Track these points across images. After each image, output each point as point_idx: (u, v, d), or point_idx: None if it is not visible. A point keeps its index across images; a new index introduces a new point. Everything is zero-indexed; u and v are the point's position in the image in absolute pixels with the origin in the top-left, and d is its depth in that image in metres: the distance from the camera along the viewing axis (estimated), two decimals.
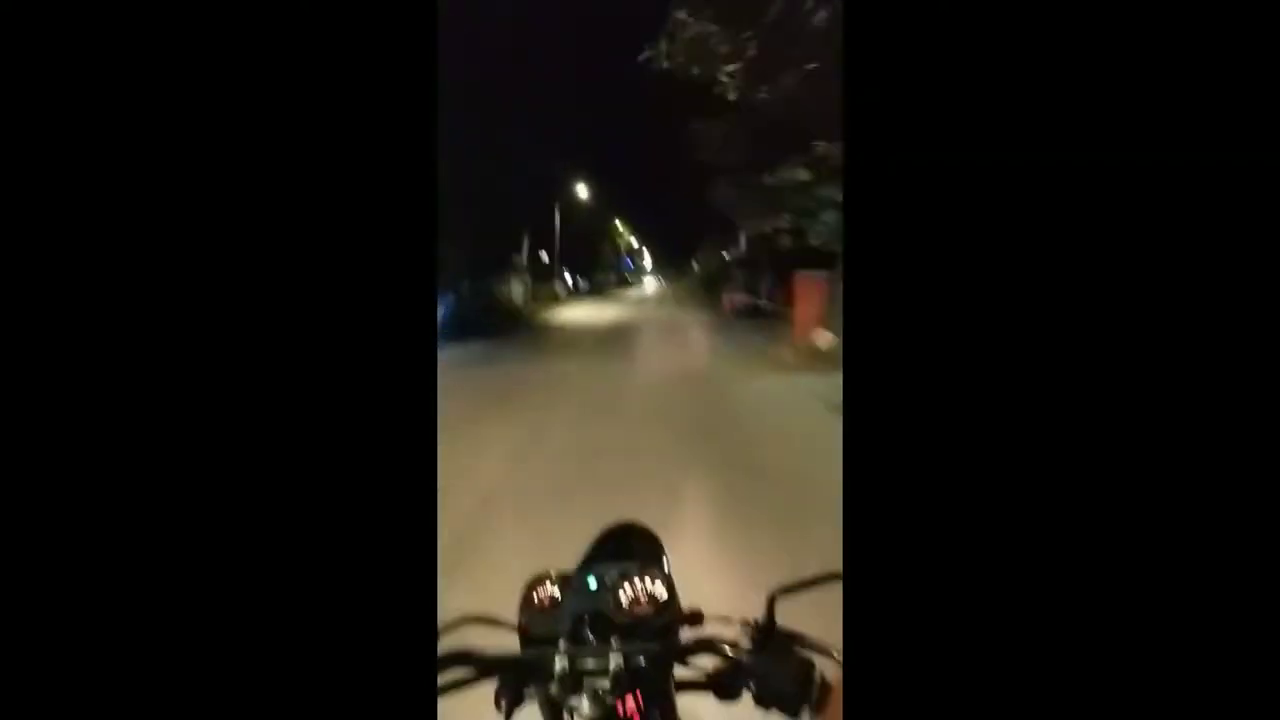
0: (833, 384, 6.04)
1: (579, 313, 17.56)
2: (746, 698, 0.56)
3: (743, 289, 15.79)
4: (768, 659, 0.56)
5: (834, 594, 0.54)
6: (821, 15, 6.85)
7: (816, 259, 9.31)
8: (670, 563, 0.74)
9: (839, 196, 7.82)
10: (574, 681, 0.55)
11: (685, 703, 0.59)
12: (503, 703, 0.56)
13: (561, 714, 0.56)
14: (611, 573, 0.65)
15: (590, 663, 0.56)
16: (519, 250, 19.00)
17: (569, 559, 0.75)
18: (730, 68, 7.78)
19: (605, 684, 0.54)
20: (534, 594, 0.66)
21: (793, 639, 0.58)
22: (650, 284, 53.18)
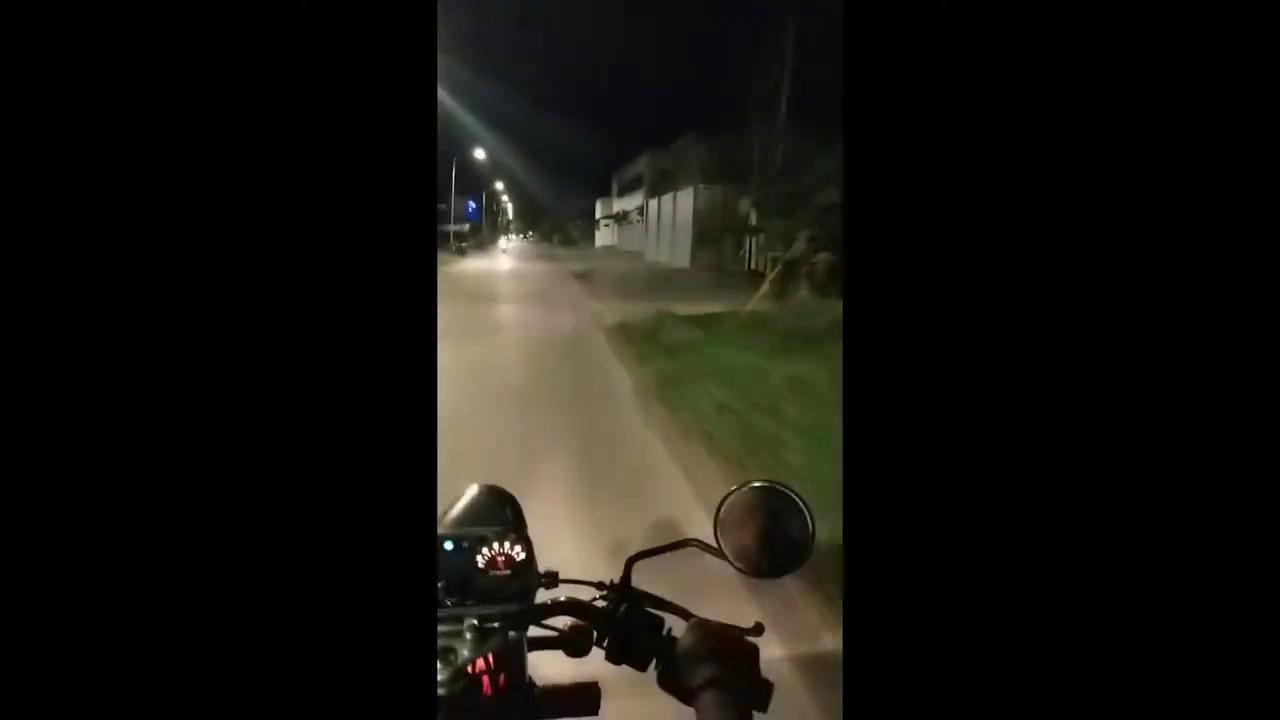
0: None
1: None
2: (595, 654, 0.60)
3: None
4: (620, 617, 0.59)
5: (690, 559, 0.62)
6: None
7: None
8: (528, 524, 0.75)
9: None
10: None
11: (535, 659, 0.61)
12: None
13: None
14: (469, 535, 0.65)
15: (447, 627, 0.57)
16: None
17: None
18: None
19: (461, 646, 0.55)
20: None
21: (646, 598, 0.61)
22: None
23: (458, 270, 18.11)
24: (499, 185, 64.08)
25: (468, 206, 49.35)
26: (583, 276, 15.70)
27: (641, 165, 33.81)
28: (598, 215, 50.31)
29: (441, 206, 31.43)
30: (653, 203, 26.97)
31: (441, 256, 22.71)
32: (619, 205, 39.42)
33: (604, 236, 45.67)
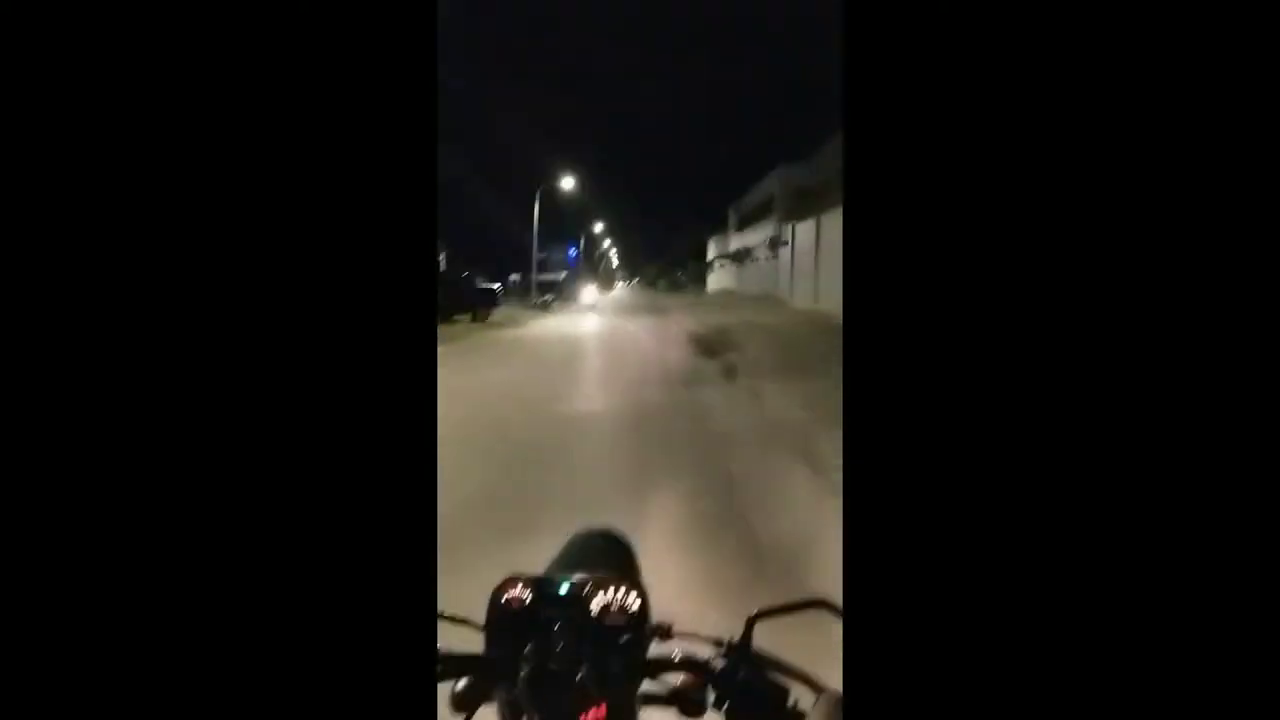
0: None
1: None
2: (711, 716, 0.56)
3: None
4: (741, 680, 0.55)
5: (816, 620, 0.56)
6: None
7: None
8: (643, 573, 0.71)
9: None
10: (539, 687, 0.55)
11: (648, 716, 0.59)
12: (463, 704, 0.56)
13: (521, 719, 0.55)
14: (584, 579, 0.64)
15: (556, 669, 0.56)
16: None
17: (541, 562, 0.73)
18: None
19: (571, 693, 0.54)
20: (503, 595, 0.64)
21: (768, 662, 0.57)
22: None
23: (520, 333, 12.52)
24: (599, 227, 61.56)
25: (568, 253, 46.22)
26: (719, 347, 9.14)
27: (772, 186, 27.35)
28: (711, 255, 44.57)
29: (540, 255, 29.25)
30: (801, 227, 20.13)
31: (515, 314, 17.29)
32: (738, 241, 33.29)
33: (720, 279, 39.89)
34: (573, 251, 45.96)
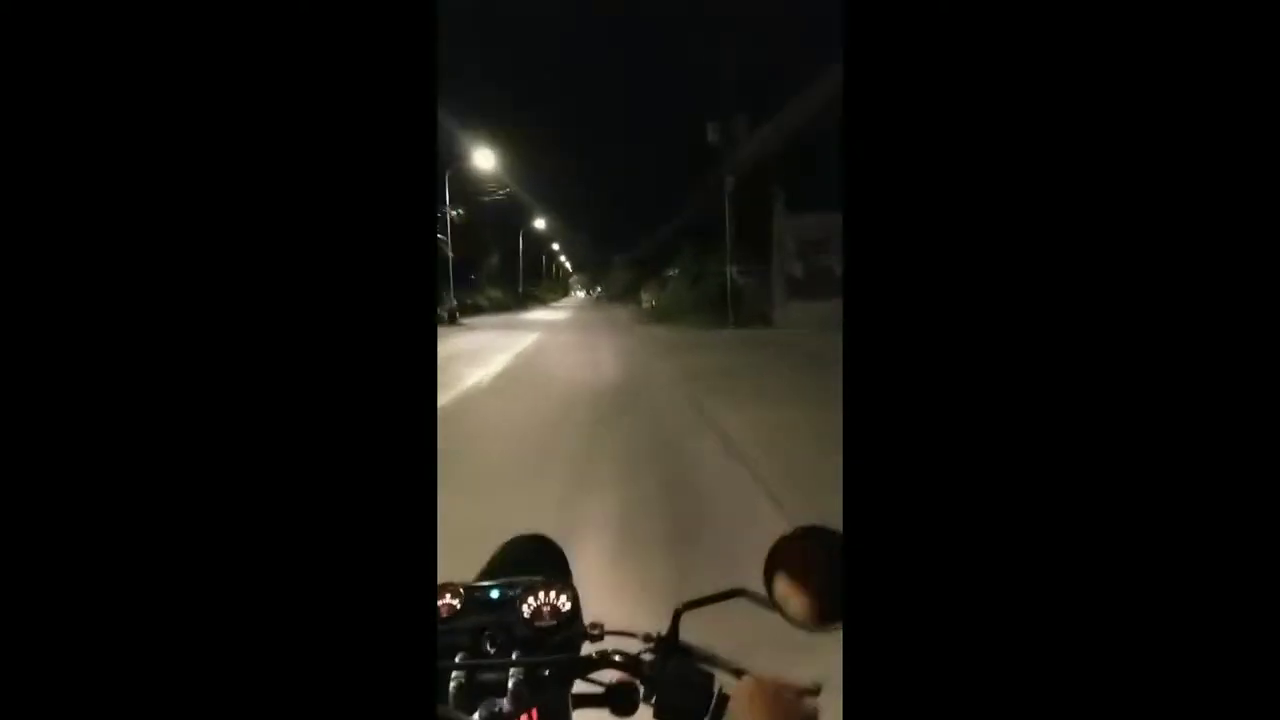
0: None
1: None
2: (643, 711, 0.56)
3: None
4: (669, 673, 0.56)
5: (738, 610, 0.57)
6: None
7: None
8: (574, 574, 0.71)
9: None
10: (471, 696, 0.54)
11: (581, 716, 0.59)
12: None
13: None
14: (515, 585, 0.64)
15: (489, 676, 0.55)
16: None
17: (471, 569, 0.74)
18: None
19: (504, 701, 0.53)
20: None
21: (695, 653, 0.58)
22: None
23: None
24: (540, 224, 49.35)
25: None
26: None
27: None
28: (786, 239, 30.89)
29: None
30: None
31: None
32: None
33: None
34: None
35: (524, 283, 44.41)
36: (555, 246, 71.64)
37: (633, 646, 0.59)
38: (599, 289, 62.37)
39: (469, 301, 27.99)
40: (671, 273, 25.02)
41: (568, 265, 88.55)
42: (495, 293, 34.52)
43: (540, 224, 51.27)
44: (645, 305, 27.67)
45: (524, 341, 13.30)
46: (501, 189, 32.29)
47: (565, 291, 73.04)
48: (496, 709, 0.52)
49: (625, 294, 37.36)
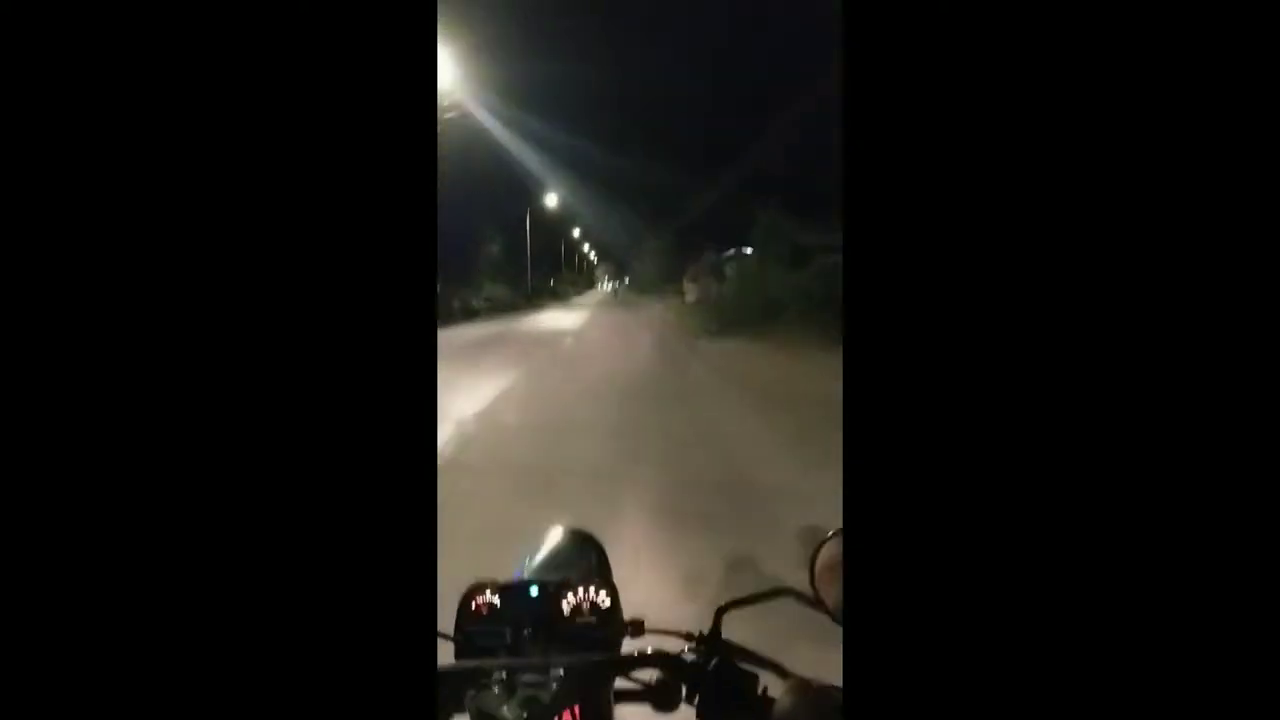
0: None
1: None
2: (684, 710, 0.56)
3: None
4: (711, 671, 0.56)
5: (783, 609, 0.57)
6: None
7: None
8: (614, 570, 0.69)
9: None
10: (512, 693, 0.54)
11: (622, 713, 0.59)
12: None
13: None
14: (554, 581, 0.64)
15: (530, 674, 0.56)
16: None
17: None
18: None
19: (544, 696, 0.53)
20: (472, 602, 0.64)
21: (737, 652, 0.58)
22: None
23: None
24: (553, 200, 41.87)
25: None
26: None
27: None
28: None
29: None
30: None
31: None
32: None
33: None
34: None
35: (534, 275, 36.71)
36: (576, 234, 63.74)
37: (674, 645, 0.59)
38: (625, 279, 54.02)
39: (456, 304, 20.51)
40: (731, 252, 17.45)
41: (591, 255, 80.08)
42: (496, 290, 27.28)
43: (551, 201, 44.03)
44: (690, 299, 20.00)
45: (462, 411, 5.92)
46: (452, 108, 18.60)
47: (590, 284, 65.41)
48: (537, 706, 0.52)
49: (658, 285, 29.49)
